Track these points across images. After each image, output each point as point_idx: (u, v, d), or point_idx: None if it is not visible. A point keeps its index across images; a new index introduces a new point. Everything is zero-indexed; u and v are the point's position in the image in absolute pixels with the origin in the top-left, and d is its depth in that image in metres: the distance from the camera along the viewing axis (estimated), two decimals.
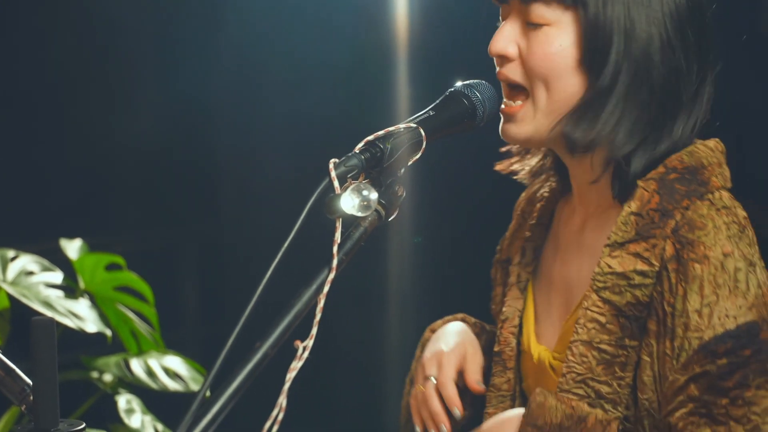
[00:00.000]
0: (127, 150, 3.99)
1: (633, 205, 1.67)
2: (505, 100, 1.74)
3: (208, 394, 1.32)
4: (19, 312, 2.90)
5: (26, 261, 3.03)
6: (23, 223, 3.65)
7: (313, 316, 1.41)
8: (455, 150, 2.58)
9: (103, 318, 3.06)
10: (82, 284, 3.11)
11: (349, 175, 1.46)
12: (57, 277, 3.05)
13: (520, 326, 1.87)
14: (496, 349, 1.88)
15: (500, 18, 1.77)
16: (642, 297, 1.64)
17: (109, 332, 3.02)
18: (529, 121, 1.72)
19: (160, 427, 3.04)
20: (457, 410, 1.82)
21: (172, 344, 3.28)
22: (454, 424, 1.84)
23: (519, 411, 1.69)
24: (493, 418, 1.73)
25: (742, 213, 1.67)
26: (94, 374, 3.12)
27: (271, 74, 4.00)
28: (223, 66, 4.03)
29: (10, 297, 2.88)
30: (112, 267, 3.17)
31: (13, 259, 3.01)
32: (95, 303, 3.10)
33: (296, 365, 1.39)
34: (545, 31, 1.68)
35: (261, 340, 1.36)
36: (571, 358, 1.69)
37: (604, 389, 1.67)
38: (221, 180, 4.36)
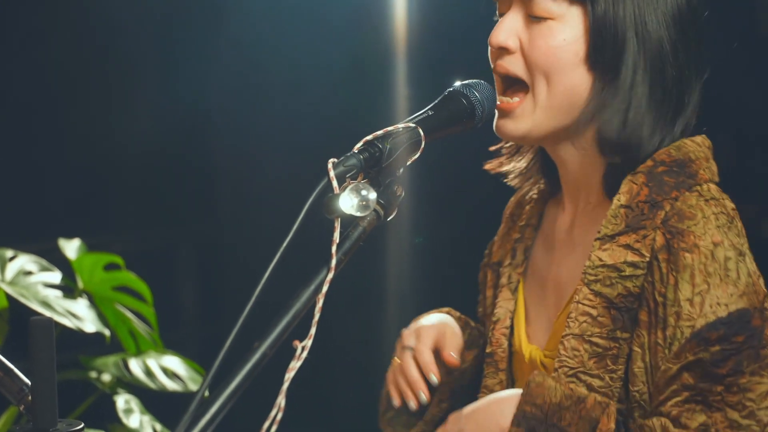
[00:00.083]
0: (125, 150, 3.99)
1: (622, 198, 1.68)
2: (500, 96, 1.74)
3: (206, 394, 1.31)
4: (18, 312, 2.90)
5: (25, 261, 3.03)
6: (22, 223, 3.65)
7: (312, 316, 1.40)
8: (454, 150, 2.58)
9: (102, 318, 3.06)
10: (80, 284, 3.11)
11: (347, 175, 1.46)
12: (55, 276, 3.05)
13: (512, 327, 1.87)
14: (488, 350, 1.88)
15: (497, 12, 1.77)
16: (633, 288, 1.65)
17: (107, 332, 3.02)
18: (527, 117, 1.72)
19: (158, 427, 3.04)
20: (434, 376, 1.82)
21: (170, 344, 3.28)
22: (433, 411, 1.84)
23: (516, 391, 1.68)
24: (488, 396, 1.72)
25: (730, 204, 1.68)
26: (93, 374, 3.12)
27: (269, 74, 4.00)
28: (222, 66, 4.02)
29: (9, 297, 2.88)
30: (110, 267, 3.17)
31: (11, 258, 3.01)
32: (94, 303, 3.09)
33: (295, 365, 1.39)
34: (549, 24, 1.68)
35: (259, 340, 1.36)
36: (563, 352, 1.69)
37: (596, 383, 1.67)
38: (220, 180, 4.36)
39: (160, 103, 4.08)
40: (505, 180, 1.91)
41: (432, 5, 3.96)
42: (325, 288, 1.41)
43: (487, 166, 1.91)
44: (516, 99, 1.72)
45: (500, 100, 1.73)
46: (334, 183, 1.43)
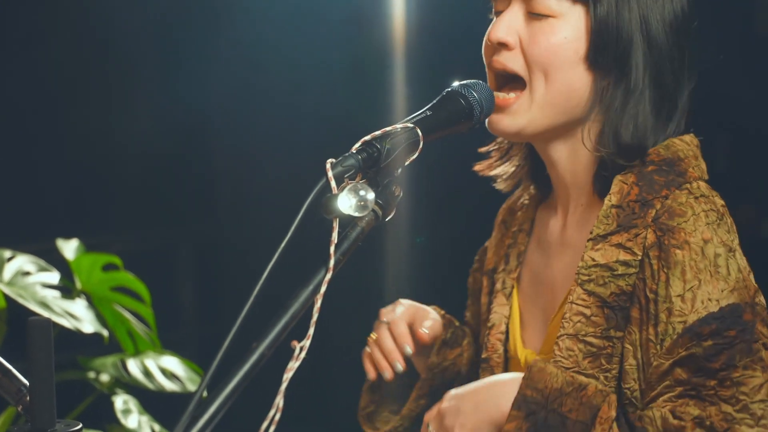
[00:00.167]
0: (125, 150, 3.99)
1: (613, 198, 1.69)
2: (494, 92, 1.73)
3: (205, 394, 1.31)
4: (16, 312, 2.89)
5: (23, 261, 3.03)
6: (20, 224, 3.65)
7: (310, 316, 1.40)
8: (452, 150, 2.57)
9: (100, 318, 3.05)
10: (78, 284, 3.11)
11: (346, 175, 1.46)
12: (54, 277, 3.05)
13: (507, 333, 1.88)
14: (483, 355, 1.89)
15: (493, 10, 1.77)
16: (626, 287, 1.66)
17: (105, 332, 3.01)
18: (523, 113, 1.72)
19: (156, 427, 3.04)
20: (408, 347, 1.87)
21: (168, 344, 3.28)
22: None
23: (517, 374, 1.68)
24: (489, 377, 1.72)
25: (719, 201, 1.68)
26: (91, 375, 3.12)
27: (268, 75, 4.00)
28: (222, 67, 4.03)
29: (7, 297, 2.88)
30: (108, 267, 3.17)
31: (9, 259, 3.01)
32: (92, 303, 3.09)
33: (293, 365, 1.39)
34: (550, 22, 1.69)
35: (258, 340, 1.36)
36: (557, 352, 1.69)
37: None
38: (219, 180, 4.37)
39: (160, 103, 4.08)
40: (494, 184, 1.92)
41: (431, 5, 3.96)
42: (323, 288, 1.41)
43: (477, 167, 1.92)
44: (512, 95, 1.72)
45: (495, 95, 1.73)
46: (333, 183, 1.43)
